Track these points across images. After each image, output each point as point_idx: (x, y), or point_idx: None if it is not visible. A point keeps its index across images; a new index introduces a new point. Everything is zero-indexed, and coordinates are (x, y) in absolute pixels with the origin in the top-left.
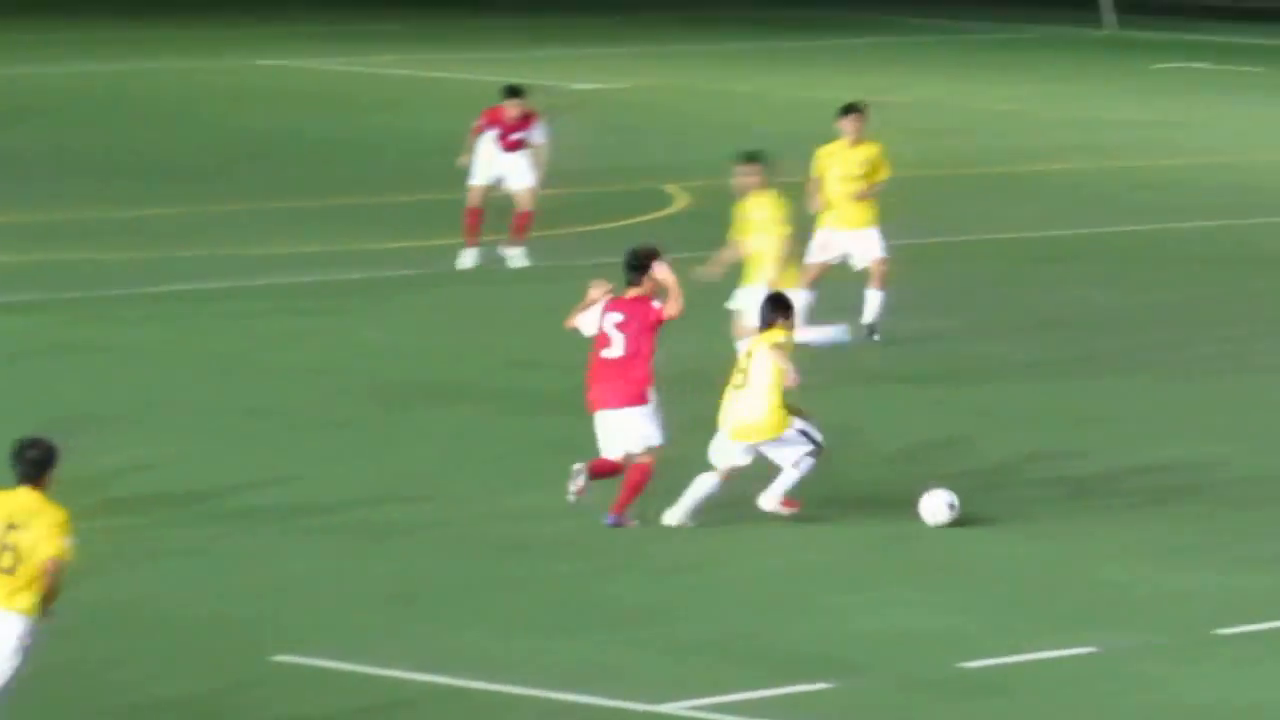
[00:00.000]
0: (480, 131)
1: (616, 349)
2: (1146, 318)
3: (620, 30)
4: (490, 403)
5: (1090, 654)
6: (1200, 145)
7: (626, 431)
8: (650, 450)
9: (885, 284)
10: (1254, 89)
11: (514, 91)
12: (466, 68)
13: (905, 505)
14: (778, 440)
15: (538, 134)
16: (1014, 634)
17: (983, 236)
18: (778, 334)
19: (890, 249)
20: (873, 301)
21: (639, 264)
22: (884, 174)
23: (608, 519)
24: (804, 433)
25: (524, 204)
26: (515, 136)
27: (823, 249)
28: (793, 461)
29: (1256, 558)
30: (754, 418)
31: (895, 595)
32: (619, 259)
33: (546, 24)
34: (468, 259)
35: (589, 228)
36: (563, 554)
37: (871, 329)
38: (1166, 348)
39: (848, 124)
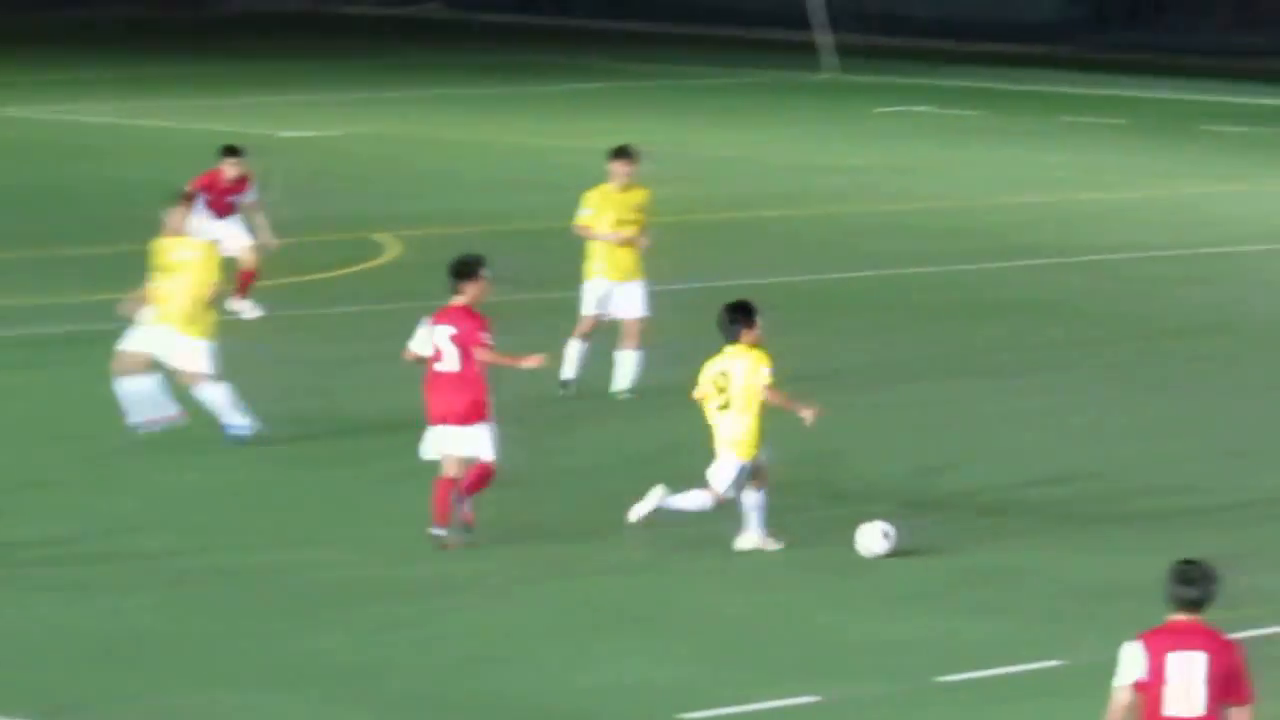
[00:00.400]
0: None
1: (450, 362)
2: (867, 365)
3: (331, 77)
4: (201, 455)
5: (812, 704)
6: (922, 190)
7: (467, 445)
8: (486, 460)
9: (642, 344)
10: (974, 132)
11: (232, 150)
12: (175, 115)
13: (629, 556)
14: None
15: (251, 195)
16: (735, 684)
17: (704, 285)
18: (748, 348)
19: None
20: (627, 364)
21: (462, 272)
22: (644, 223)
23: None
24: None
25: (247, 263)
26: (229, 199)
27: (600, 301)
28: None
29: (977, 605)
30: (738, 435)
31: (616, 646)
32: (331, 310)
33: (256, 70)
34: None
35: (300, 279)
36: (275, 610)
37: (626, 392)
38: (884, 396)
39: (619, 167)
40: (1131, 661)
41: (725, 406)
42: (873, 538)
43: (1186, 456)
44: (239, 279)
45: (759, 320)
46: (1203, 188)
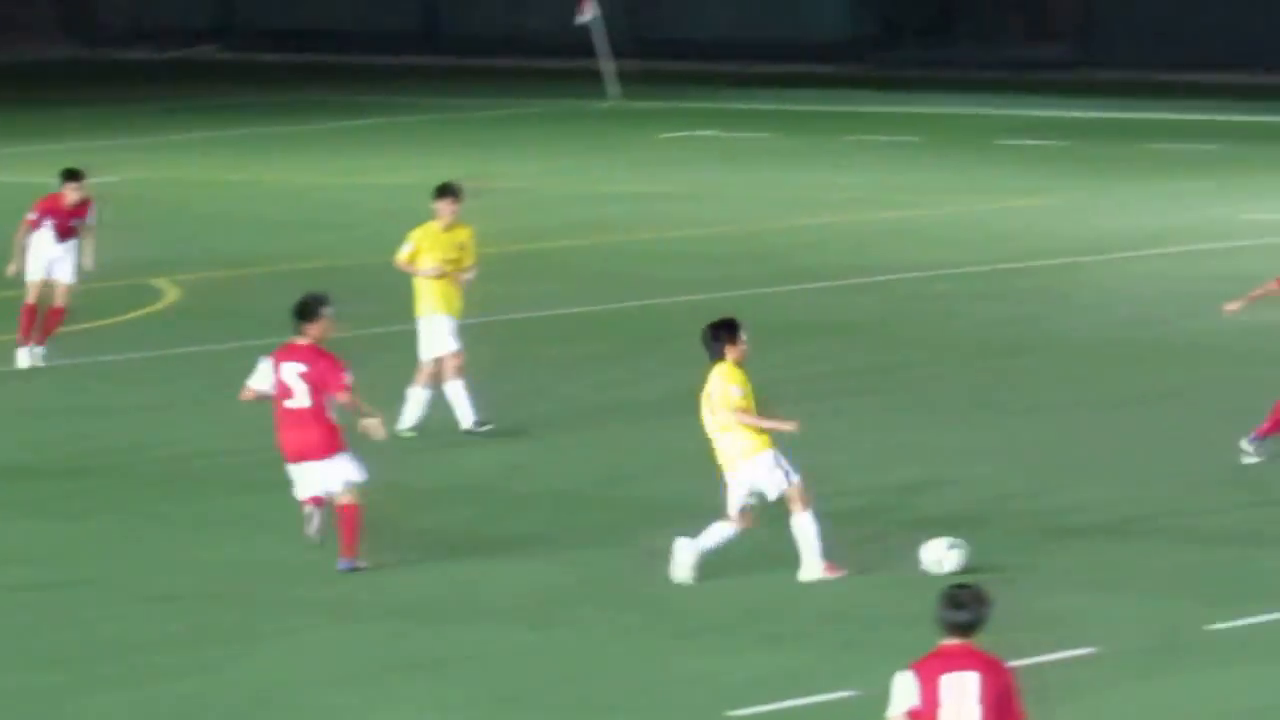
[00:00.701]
0: (36, 225)
1: (301, 398)
2: (669, 394)
3: (105, 123)
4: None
5: None
6: (709, 215)
7: (326, 478)
8: (352, 488)
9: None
10: (763, 155)
11: (72, 175)
12: None
13: (409, 596)
14: (754, 465)
15: (91, 218)
16: None
17: (490, 319)
18: (723, 365)
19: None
20: (462, 398)
21: (305, 314)
22: (471, 259)
23: (340, 565)
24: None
25: (59, 300)
26: (72, 223)
27: (455, 333)
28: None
29: (770, 636)
30: (733, 455)
31: (396, 692)
32: (110, 357)
33: (29, 118)
34: (24, 358)
35: (81, 326)
36: (48, 666)
37: (479, 423)
38: (688, 423)
39: (444, 206)
40: (904, 691)
41: (726, 428)
42: (938, 554)
43: (984, 478)
44: (46, 317)
45: (743, 336)
46: (998, 203)
